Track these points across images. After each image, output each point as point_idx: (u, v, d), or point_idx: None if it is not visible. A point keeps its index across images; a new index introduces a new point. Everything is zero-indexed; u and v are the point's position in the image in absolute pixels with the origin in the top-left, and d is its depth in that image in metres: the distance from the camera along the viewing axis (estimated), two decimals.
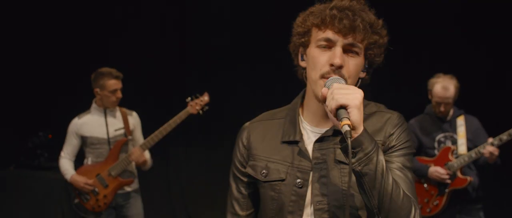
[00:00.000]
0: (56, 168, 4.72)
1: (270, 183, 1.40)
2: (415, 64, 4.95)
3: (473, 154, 3.36)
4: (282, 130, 1.44)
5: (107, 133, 3.58)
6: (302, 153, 1.38)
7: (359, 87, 1.36)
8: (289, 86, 1.65)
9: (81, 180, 3.54)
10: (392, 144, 1.35)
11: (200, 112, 3.56)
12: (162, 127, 3.53)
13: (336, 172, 1.33)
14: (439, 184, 3.47)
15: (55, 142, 4.87)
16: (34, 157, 4.93)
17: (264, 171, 1.41)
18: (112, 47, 5.75)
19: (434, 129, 3.54)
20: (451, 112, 3.53)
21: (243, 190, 1.49)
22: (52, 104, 5.71)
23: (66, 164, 3.66)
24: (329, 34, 1.30)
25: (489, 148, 3.25)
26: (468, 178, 3.39)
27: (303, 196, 1.35)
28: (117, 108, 3.69)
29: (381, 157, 1.21)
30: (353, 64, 1.31)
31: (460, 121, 3.51)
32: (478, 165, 3.48)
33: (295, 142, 1.40)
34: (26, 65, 5.72)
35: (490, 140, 3.27)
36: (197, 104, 3.54)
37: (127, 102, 3.75)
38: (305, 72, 1.39)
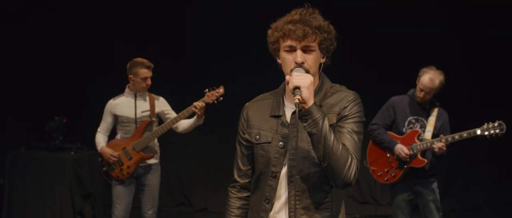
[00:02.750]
0: (69, 149, 5.23)
1: (261, 145, 1.92)
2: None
3: (435, 141, 3.80)
4: (270, 107, 1.96)
5: (135, 114, 4.07)
6: (284, 123, 1.90)
7: (322, 70, 1.93)
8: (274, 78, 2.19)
9: (108, 151, 4.04)
10: (346, 113, 1.85)
11: (216, 102, 4.02)
12: (181, 112, 4.01)
13: (304, 133, 1.81)
14: (400, 159, 3.89)
15: (69, 126, 5.33)
16: (50, 139, 5.28)
17: (256, 136, 1.93)
18: (127, 41, 6.17)
19: (410, 110, 3.95)
20: (429, 101, 3.93)
21: (244, 151, 2.01)
22: (68, 91, 6.15)
23: (99, 138, 4.18)
24: (290, 42, 1.81)
25: (438, 144, 3.74)
26: (425, 161, 3.83)
27: (284, 154, 1.87)
28: (147, 93, 4.15)
29: (326, 123, 1.71)
30: (311, 58, 1.82)
31: (434, 112, 3.92)
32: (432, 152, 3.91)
33: (279, 116, 1.92)
34: (46, 57, 6.10)
35: (442, 137, 3.77)
36: (213, 95, 3.98)
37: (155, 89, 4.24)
38: (281, 68, 1.91)
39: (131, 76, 4.05)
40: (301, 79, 1.71)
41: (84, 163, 5.22)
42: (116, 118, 4.13)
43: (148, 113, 4.11)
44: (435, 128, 3.88)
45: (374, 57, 6.31)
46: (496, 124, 3.71)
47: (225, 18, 6.04)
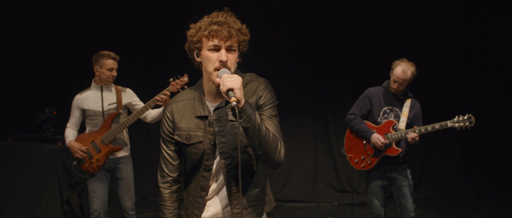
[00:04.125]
0: (56, 140, 5.29)
1: (193, 144, 2.07)
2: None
3: (406, 133, 3.99)
4: (193, 108, 2.08)
5: (102, 107, 4.12)
6: (210, 123, 2.05)
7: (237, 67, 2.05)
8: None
9: (75, 146, 4.09)
10: (262, 102, 2.03)
11: (180, 90, 4.02)
12: (147, 103, 4.06)
13: (229, 127, 2.02)
14: (376, 148, 4.06)
15: (59, 118, 5.38)
16: (41, 131, 5.36)
17: (187, 137, 2.07)
18: (111, 33, 6.31)
19: (385, 101, 4.10)
20: (403, 92, 4.08)
21: (171, 147, 2.15)
22: (58, 83, 6.22)
23: (68, 132, 4.23)
24: (215, 41, 1.93)
25: (412, 134, 3.93)
26: (400, 150, 4.01)
27: (215, 149, 2.06)
28: (113, 86, 4.20)
29: (257, 116, 1.88)
30: (232, 57, 1.96)
31: (407, 103, 4.08)
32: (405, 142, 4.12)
33: (205, 116, 2.06)
34: (35, 50, 6.16)
35: (416, 128, 3.95)
36: (177, 84, 4.00)
37: (121, 81, 4.31)
38: (201, 65, 2.02)
39: (97, 67, 4.09)
40: (233, 81, 1.83)
41: (71, 154, 5.21)
42: (84, 112, 4.18)
43: (114, 105, 4.17)
44: (408, 118, 4.06)
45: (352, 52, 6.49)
46: (466, 117, 3.92)
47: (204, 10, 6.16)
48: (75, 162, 4.20)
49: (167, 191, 2.19)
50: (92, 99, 4.17)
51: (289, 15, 6.51)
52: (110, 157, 4.18)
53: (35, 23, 6.21)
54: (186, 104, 2.12)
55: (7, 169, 5.30)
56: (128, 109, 4.30)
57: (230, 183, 2.08)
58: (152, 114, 4.23)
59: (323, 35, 6.62)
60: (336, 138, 6.62)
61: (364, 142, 4.18)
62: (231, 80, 1.84)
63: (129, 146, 4.34)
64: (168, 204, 2.20)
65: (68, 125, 4.26)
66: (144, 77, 6.26)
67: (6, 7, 6.12)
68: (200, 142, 2.07)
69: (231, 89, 1.82)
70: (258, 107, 2.04)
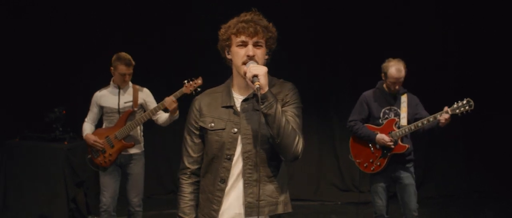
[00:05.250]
0: (62, 139, 5.36)
1: (216, 131, 2.16)
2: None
3: (412, 126, 4.00)
4: (221, 99, 2.21)
5: (118, 104, 4.27)
6: (235, 112, 2.16)
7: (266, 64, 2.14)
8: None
9: (91, 138, 4.25)
10: (287, 100, 2.15)
11: (194, 92, 4.16)
12: (160, 102, 4.17)
13: (255, 116, 2.11)
14: (383, 149, 4.10)
15: (68, 117, 5.47)
16: (50, 130, 5.43)
17: (211, 123, 2.17)
18: (123, 33, 6.35)
19: (382, 102, 4.16)
20: (398, 90, 4.10)
21: (195, 139, 2.24)
22: (65, 83, 6.29)
23: (85, 126, 4.38)
24: (243, 38, 2.08)
25: (445, 115, 3.88)
26: (407, 146, 4.06)
27: (236, 138, 2.13)
28: (130, 85, 4.34)
29: (279, 106, 2.00)
30: (260, 53, 2.10)
31: (404, 98, 4.13)
32: (425, 130, 4.08)
33: (231, 106, 2.17)
34: (38, 50, 6.22)
35: (446, 108, 3.91)
36: (191, 85, 4.12)
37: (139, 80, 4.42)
38: (231, 61, 2.17)
39: (112, 68, 4.23)
40: (258, 69, 1.99)
41: (77, 152, 5.32)
42: (101, 109, 4.33)
43: (130, 103, 4.28)
44: (408, 114, 4.10)
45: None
46: (465, 102, 3.94)
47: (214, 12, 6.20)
48: (89, 156, 4.36)
49: (185, 182, 2.27)
50: (109, 96, 4.32)
51: (290, 14, 6.51)
52: (123, 153, 4.31)
53: (44, 23, 6.25)
54: (214, 97, 2.25)
55: (14, 168, 5.36)
56: (144, 108, 4.40)
57: (247, 171, 2.12)
58: (162, 117, 4.33)
59: (324, 34, 6.63)
60: (340, 136, 6.62)
61: (370, 144, 4.20)
62: (256, 68, 1.99)
63: (142, 143, 4.45)
64: (185, 194, 2.26)
65: (86, 119, 4.42)
66: (159, 78, 6.27)
67: (14, 7, 6.17)
68: (223, 129, 2.15)
69: (256, 76, 1.97)
70: (284, 105, 2.13)
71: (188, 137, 2.27)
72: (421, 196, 4.41)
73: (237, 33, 2.09)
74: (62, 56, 6.37)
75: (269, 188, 2.15)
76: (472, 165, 6.74)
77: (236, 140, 2.13)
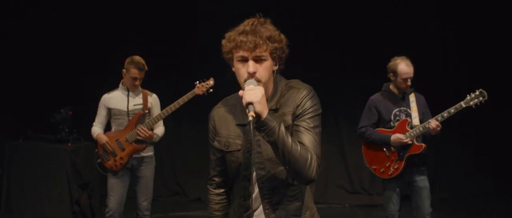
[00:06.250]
0: (66, 140, 5.31)
1: (231, 152, 2.02)
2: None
3: (427, 125, 3.92)
4: (235, 115, 2.03)
5: (127, 107, 4.17)
6: (249, 131, 1.87)
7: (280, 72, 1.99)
8: None
9: (103, 138, 4.14)
10: (299, 111, 1.92)
11: (205, 93, 4.12)
12: (172, 104, 4.11)
13: None
14: (398, 151, 3.95)
15: (75, 118, 5.43)
16: (56, 131, 5.35)
17: (225, 144, 2.03)
18: (131, 34, 6.30)
19: (391, 103, 4.03)
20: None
21: (217, 153, 2.11)
22: (71, 83, 6.25)
23: (94, 128, 4.27)
24: (242, 53, 1.85)
25: (433, 123, 3.84)
26: (423, 145, 3.92)
27: (250, 157, 1.94)
28: (140, 89, 4.24)
29: (282, 129, 1.78)
30: (263, 67, 1.87)
31: (412, 98, 4.01)
32: (425, 136, 4.02)
33: (245, 124, 1.99)
34: (43, 51, 6.19)
35: (434, 118, 3.85)
36: (203, 86, 4.06)
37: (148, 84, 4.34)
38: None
39: (124, 71, 4.14)
40: (253, 95, 1.75)
41: (81, 154, 5.29)
42: (109, 111, 4.22)
43: (140, 106, 4.20)
44: (419, 112, 4.00)
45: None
46: (477, 93, 3.84)
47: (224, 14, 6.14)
48: (99, 160, 4.24)
49: (212, 192, 2.19)
50: (118, 99, 4.22)
51: (295, 15, 6.47)
52: (134, 155, 4.21)
53: (50, 23, 6.23)
54: (229, 111, 2.08)
55: (17, 169, 5.32)
56: (150, 113, 4.31)
57: (264, 195, 1.98)
58: (160, 130, 4.29)
59: (330, 34, 6.57)
60: (347, 137, 6.56)
61: (384, 148, 4.07)
62: (250, 94, 1.75)
63: (153, 146, 4.37)
64: (212, 205, 2.19)
65: (94, 123, 4.32)
66: (171, 80, 6.25)
67: (19, 7, 6.13)
68: (239, 150, 2.00)
69: (251, 103, 1.74)
70: (296, 117, 1.94)
71: (211, 150, 2.15)
72: (431, 197, 4.30)
73: (236, 48, 1.88)
74: (64, 57, 6.35)
75: (293, 207, 2.00)
76: (483, 166, 6.66)
77: (250, 158, 1.96)
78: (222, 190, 2.18)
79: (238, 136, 2.01)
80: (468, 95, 3.87)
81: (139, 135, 4.08)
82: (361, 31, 6.44)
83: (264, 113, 1.77)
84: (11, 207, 5.31)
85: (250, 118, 1.71)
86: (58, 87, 6.18)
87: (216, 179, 2.17)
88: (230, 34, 1.92)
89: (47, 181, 5.19)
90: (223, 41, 1.94)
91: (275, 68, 1.97)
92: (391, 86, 4.09)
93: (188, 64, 6.35)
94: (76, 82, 6.31)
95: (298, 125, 1.92)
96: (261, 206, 2.01)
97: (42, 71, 6.15)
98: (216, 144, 2.08)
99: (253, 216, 2.00)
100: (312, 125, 1.92)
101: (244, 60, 1.87)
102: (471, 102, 3.85)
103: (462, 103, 3.85)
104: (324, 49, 6.58)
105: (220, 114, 2.10)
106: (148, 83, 4.33)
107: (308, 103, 1.94)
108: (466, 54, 6.51)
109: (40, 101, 5.88)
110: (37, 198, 5.20)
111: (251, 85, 1.82)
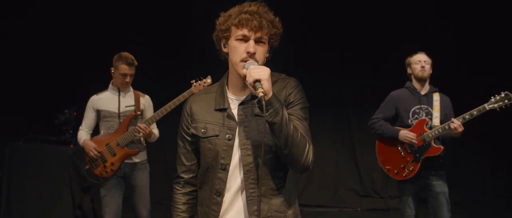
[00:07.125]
0: (68, 142, 5.17)
1: (208, 138, 1.91)
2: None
3: (447, 126, 3.67)
4: (214, 101, 1.95)
5: (118, 108, 3.92)
6: (229, 116, 1.90)
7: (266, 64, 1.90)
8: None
9: (91, 144, 3.85)
10: (291, 100, 1.89)
11: None
12: (167, 104, 3.88)
13: (254, 123, 1.86)
14: (414, 152, 3.77)
15: (80, 119, 5.28)
16: (60, 132, 5.18)
17: (203, 130, 1.92)
18: (130, 34, 6.24)
19: (411, 100, 3.87)
20: (428, 88, 3.88)
21: (187, 146, 2.00)
22: (73, 85, 6.14)
23: (81, 133, 4.01)
24: (245, 31, 1.80)
25: (455, 123, 3.63)
26: (441, 147, 3.74)
27: (231, 146, 1.88)
28: (132, 90, 4.00)
29: (285, 112, 1.75)
30: (261, 50, 1.84)
31: (436, 97, 3.86)
32: (444, 138, 3.84)
33: (225, 109, 1.92)
34: (44, 52, 6.13)
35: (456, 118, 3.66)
36: (200, 85, 3.87)
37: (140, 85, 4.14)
38: (228, 56, 1.90)
39: (112, 69, 3.90)
40: (261, 72, 1.72)
41: (83, 157, 5.13)
42: (98, 113, 3.96)
43: (132, 107, 3.95)
44: (441, 113, 3.83)
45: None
46: (503, 95, 3.66)
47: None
48: (87, 166, 3.97)
49: (178, 192, 2.05)
50: (108, 100, 3.96)
51: (305, 15, 6.43)
52: (126, 161, 3.94)
53: (50, 23, 6.17)
54: (207, 98, 2.00)
55: (17, 171, 5.19)
56: (142, 115, 4.07)
57: (249, 186, 1.87)
58: (156, 131, 4.05)
59: (339, 33, 6.52)
60: (359, 139, 6.47)
61: (399, 148, 3.88)
62: (258, 71, 1.72)
63: (145, 151, 4.11)
64: (178, 206, 2.05)
65: (80, 127, 4.06)
66: (165, 79, 6.16)
67: (19, 7, 6.09)
68: (216, 136, 1.90)
69: (258, 80, 1.70)
70: (287, 105, 1.88)
71: (180, 143, 2.03)
72: None
73: (239, 25, 1.82)
74: (64, 57, 6.29)
75: (276, 201, 1.90)
76: (499, 169, 6.56)
77: (231, 148, 1.88)
78: (190, 189, 2.04)
79: (216, 122, 1.93)
80: (492, 97, 3.68)
81: (138, 132, 3.82)
82: (361, 31, 6.41)
83: (270, 93, 1.74)
84: (11, 211, 5.18)
85: (260, 94, 1.68)
86: (58, 87, 6.11)
87: (184, 176, 2.03)
88: (230, 12, 1.87)
89: (48, 184, 5.03)
90: (221, 18, 1.89)
91: (267, 55, 1.92)
92: (413, 83, 3.95)
93: (186, 63, 6.23)
94: (76, 82, 6.22)
95: (290, 113, 1.87)
96: (240, 201, 1.90)
97: (42, 71, 6.09)
98: (192, 130, 1.97)
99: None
100: (304, 115, 1.91)
101: (245, 39, 1.83)
102: (496, 105, 3.66)
103: (486, 106, 3.66)
104: (324, 49, 6.52)
105: (198, 101, 2.02)
106: (148, 84, 4.22)
107: (299, 94, 1.93)
108: (466, 54, 6.44)
109: (40, 102, 5.81)
110: (38, 201, 5.06)
111: (255, 64, 1.79)
